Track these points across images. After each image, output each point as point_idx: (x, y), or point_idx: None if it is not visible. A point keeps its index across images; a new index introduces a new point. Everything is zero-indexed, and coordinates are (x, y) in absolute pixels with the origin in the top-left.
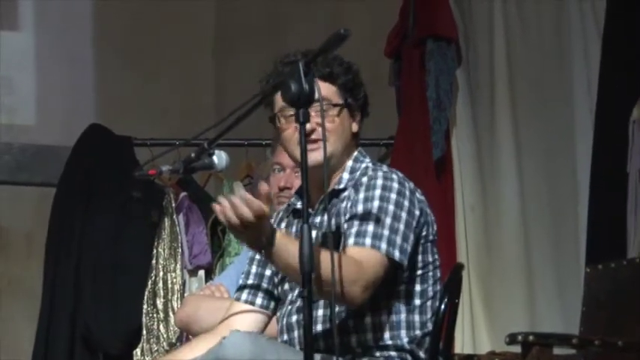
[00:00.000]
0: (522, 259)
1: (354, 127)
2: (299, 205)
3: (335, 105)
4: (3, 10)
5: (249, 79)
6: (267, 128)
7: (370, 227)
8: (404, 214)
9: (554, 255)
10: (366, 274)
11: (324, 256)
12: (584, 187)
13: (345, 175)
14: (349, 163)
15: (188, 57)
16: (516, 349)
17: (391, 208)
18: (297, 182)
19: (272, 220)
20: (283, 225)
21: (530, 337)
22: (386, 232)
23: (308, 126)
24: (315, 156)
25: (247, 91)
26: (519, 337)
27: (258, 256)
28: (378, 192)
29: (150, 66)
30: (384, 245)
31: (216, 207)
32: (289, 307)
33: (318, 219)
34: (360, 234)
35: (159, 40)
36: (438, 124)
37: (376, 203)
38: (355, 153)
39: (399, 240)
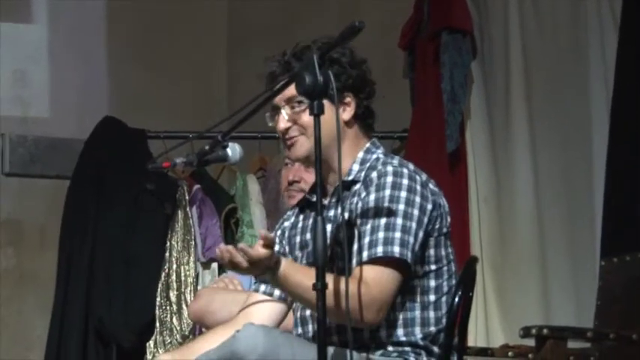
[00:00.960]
0: (536, 252)
1: (346, 115)
2: (314, 198)
3: (299, 102)
4: (17, 3)
5: (261, 71)
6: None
7: (381, 234)
8: (415, 211)
9: (569, 248)
10: (377, 297)
11: (330, 281)
12: (600, 179)
13: (355, 167)
14: (360, 154)
15: (201, 50)
16: (530, 342)
17: (401, 207)
18: (305, 175)
19: (289, 213)
20: (301, 217)
21: (545, 331)
22: (398, 235)
23: (281, 125)
24: (293, 152)
25: (259, 85)
26: (533, 331)
27: (277, 247)
28: (387, 192)
29: (163, 60)
30: (397, 249)
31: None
32: None
33: (332, 212)
34: (372, 244)
35: (172, 33)
36: (452, 116)
37: (386, 205)
38: (367, 144)
39: (411, 239)
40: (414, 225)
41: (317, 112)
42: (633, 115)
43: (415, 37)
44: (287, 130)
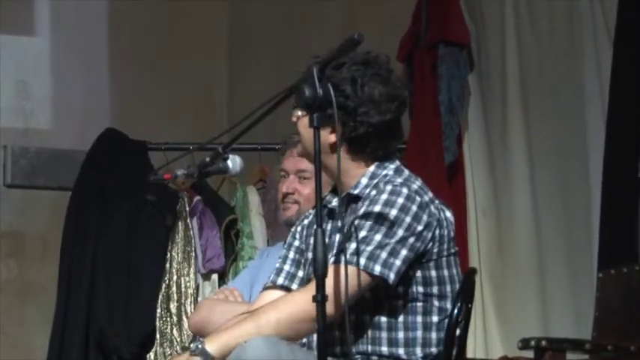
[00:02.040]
0: (534, 264)
1: (329, 138)
2: (334, 202)
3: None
4: (19, 15)
5: (262, 79)
6: (280, 132)
7: (353, 244)
8: (400, 231)
9: (567, 260)
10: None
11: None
12: (597, 191)
13: (364, 180)
14: (371, 168)
15: (202, 58)
16: (529, 354)
17: (385, 225)
18: (299, 187)
19: (311, 211)
20: (310, 218)
21: (543, 342)
22: (369, 248)
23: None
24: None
25: (260, 91)
26: (532, 342)
27: (297, 243)
28: (377, 208)
29: (164, 68)
30: (362, 261)
31: None
32: None
33: (341, 222)
34: (341, 252)
35: (173, 42)
36: (450, 128)
37: (370, 220)
38: (377, 162)
39: (383, 255)
40: (392, 242)
41: (317, 125)
42: (629, 125)
43: (413, 49)
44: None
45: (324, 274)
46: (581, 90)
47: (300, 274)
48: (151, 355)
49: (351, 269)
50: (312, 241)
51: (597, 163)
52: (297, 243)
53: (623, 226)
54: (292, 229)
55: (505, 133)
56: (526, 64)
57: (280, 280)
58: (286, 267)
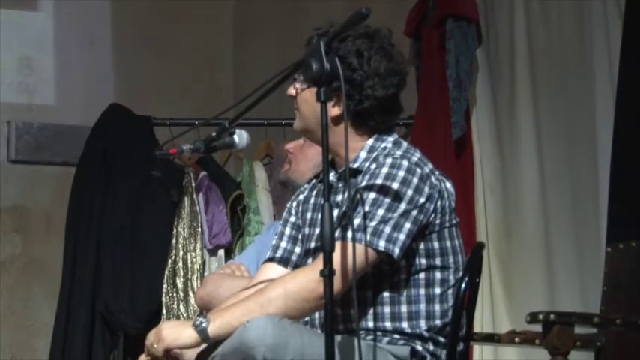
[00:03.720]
0: (542, 239)
1: (332, 112)
2: (332, 177)
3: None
4: None
5: (267, 61)
6: (286, 108)
7: (356, 220)
8: (403, 205)
9: (575, 234)
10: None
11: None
12: (605, 166)
13: (363, 154)
14: (370, 141)
15: (207, 38)
16: (537, 328)
17: (388, 199)
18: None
19: (305, 186)
20: (314, 193)
21: (551, 316)
22: (372, 224)
23: (289, 91)
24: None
25: (266, 71)
26: (540, 316)
27: (293, 219)
28: (378, 182)
29: (169, 47)
30: (366, 236)
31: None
32: None
33: (339, 197)
34: (346, 228)
35: (178, 20)
36: (458, 103)
37: (372, 195)
38: (375, 135)
39: (387, 229)
40: (395, 216)
41: (324, 99)
42: (639, 99)
43: (421, 25)
44: (293, 98)
45: (332, 249)
46: (590, 66)
47: (297, 250)
48: None
49: (357, 245)
50: (308, 216)
51: (606, 139)
52: (292, 219)
53: (632, 200)
54: (287, 205)
55: (513, 108)
56: (535, 39)
57: (278, 255)
58: (283, 243)
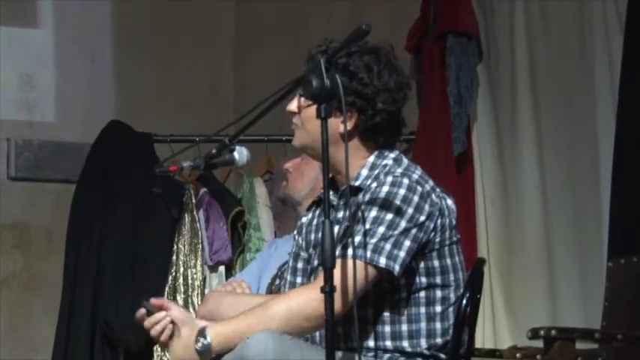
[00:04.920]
0: (544, 254)
1: (341, 128)
2: (331, 196)
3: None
4: (23, 7)
5: (269, 73)
6: (287, 124)
7: (357, 238)
8: (403, 223)
9: (576, 249)
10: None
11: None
12: (607, 181)
13: (364, 172)
14: (371, 158)
15: (208, 52)
16: (538, 343)
17: (389, 217)
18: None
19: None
20: (316, 214)
21: (553, 332)
22: (373, 241)
23: (290, 106)
24: (293, 140)
25: (267, 85)
26: (542, 332)
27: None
28: (379, 200)
29: (170, 61)
30: (367, 254)
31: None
32: None
33: (340, 214)
34: (346, 246)
35: (179, 35)
36: (459, 119)
37: (373, 213)
38: (376, 150)
39: (387, 247)
40: (395, 234)
41: (324, 116)
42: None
43: (422, 40)
44: (293, 114)
45: (332, 265)
46: (591, 79)
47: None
48: (158, 347)
49: (357, 263)
50: (312, 237)
51: (607, 153)
52: (303, 254)
53: (633, 215)
54: (293, 239)
55: (514, 124)
56: (535, 55)
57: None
58: (298, 280)
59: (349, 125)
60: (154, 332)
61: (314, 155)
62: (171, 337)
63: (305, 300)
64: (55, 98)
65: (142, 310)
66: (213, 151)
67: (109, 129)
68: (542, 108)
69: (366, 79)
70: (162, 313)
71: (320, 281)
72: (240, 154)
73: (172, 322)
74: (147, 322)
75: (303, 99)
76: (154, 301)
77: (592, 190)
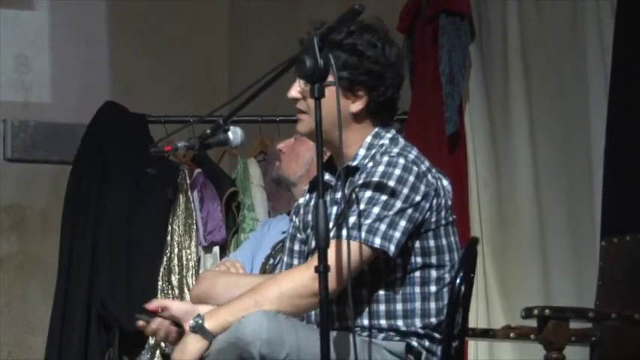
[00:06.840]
0: (537, 234)
1: (354, 107)
2: (327, 177)
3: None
4: None
5: (262, 57)
6: (281, 105)
7: (352, 218)
8: (398, 203)
9: (569, 229)
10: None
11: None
12: (599, 160)
13: (362, 152)
14: (368, 138)
15: (202, 36)
16: (532, 323)
17: (383, 197)
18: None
19: (305, 189)
20: (314, 195)
21: (547, 311)
22: (368, 221)
23: (291, 93)
24: (298, 127)
25: (260, 69)
26: (535, 311)
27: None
28: (374, 180)
29: (164, 45)
30: (362, 234)
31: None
32: None
33: (338, 194)
34: (342, 226)
35: (173, 18)
36: (451, 99)
37: (368, 193)
38: (375, 129)
39: (382, 227)
40: (390, 214)
41: (317, 96)
42: (631, 94)
43: (414, 20)
44: (296, 101)
45: (327, 245)
46: (583, 60)
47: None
48: None
49: (352, 243)
50: (309, 217)
51: (600, 133)
52: (300, 236)
53: (626, 194)
54: (290, 221)
55: (506, 103)
56: (528, 34)
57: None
58: (295, 262)
59: (361, 104)
60: (159, 339)
61: (324, 140)
62: (178, 335)
63: (298, 279)
64: (50, 79)
65: (141, 322)
66: (208, 131)
67: (104, 110)
68: (534, 88)
69: (374, 56)
70: (158, 320)
71: (314, 261)
72: (235, 134)
73: (174, 321)
74: (148, 332)
75: (302, 83)
76: (148, 306)
77: (585, 170)
